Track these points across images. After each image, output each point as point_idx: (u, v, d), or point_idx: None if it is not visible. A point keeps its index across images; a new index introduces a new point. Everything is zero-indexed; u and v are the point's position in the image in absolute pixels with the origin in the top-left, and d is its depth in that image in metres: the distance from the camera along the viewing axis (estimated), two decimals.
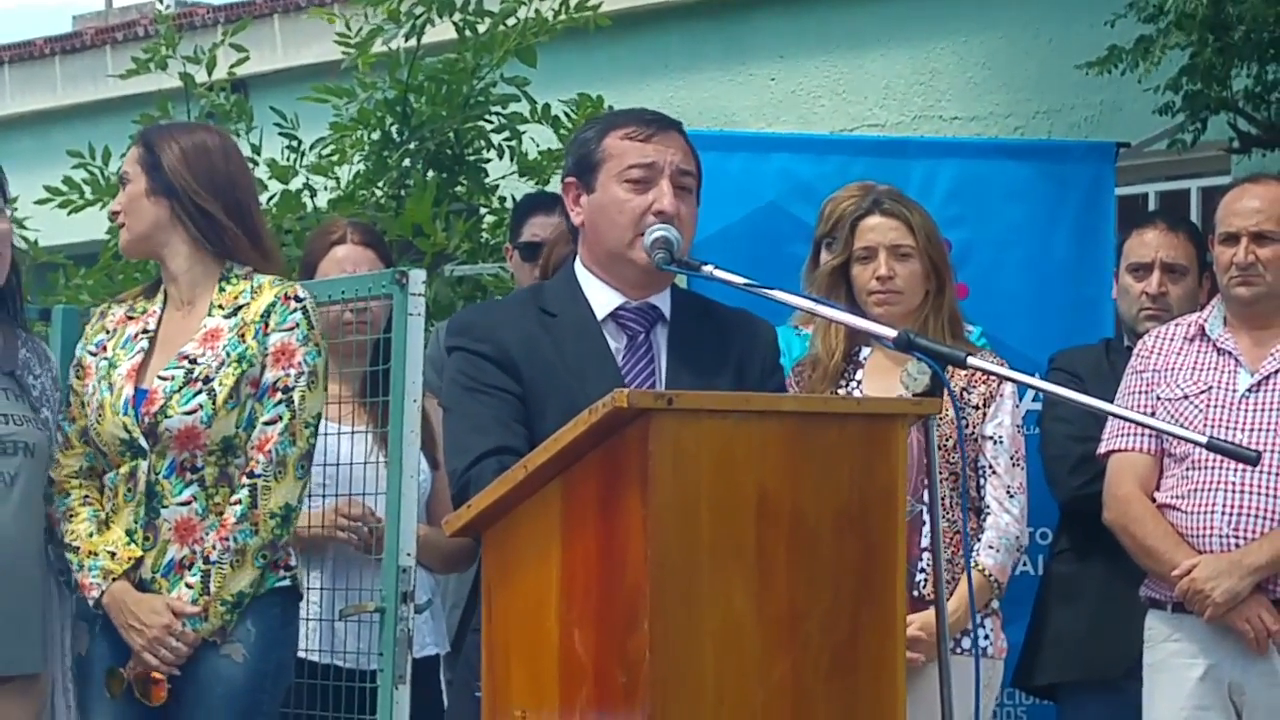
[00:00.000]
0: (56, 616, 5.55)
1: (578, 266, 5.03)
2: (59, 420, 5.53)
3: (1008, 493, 6.06)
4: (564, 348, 4.89)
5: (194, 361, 5.35)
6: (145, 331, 5.47)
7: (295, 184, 9.35)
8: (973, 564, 5.95)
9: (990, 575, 6.00)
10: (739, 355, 4.94)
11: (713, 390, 4.75)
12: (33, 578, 5.48)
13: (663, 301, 4.96)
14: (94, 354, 5.49)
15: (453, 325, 5.34)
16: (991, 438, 6.08)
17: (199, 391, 5.32)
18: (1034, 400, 6.69)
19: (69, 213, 9.47)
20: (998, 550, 6.03)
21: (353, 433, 5.80)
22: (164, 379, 5.34)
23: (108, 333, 5.51)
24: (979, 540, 6.03)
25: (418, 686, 5.64)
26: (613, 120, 5.04)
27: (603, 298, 4.94)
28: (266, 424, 5.36)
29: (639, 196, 4.88)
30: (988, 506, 6.07)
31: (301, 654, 5.61)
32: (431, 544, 5.84)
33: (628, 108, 5.21)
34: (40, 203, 9.37)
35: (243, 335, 5.37)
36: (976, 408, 6.08)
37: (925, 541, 5.70)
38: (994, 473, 6.08)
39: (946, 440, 5.80)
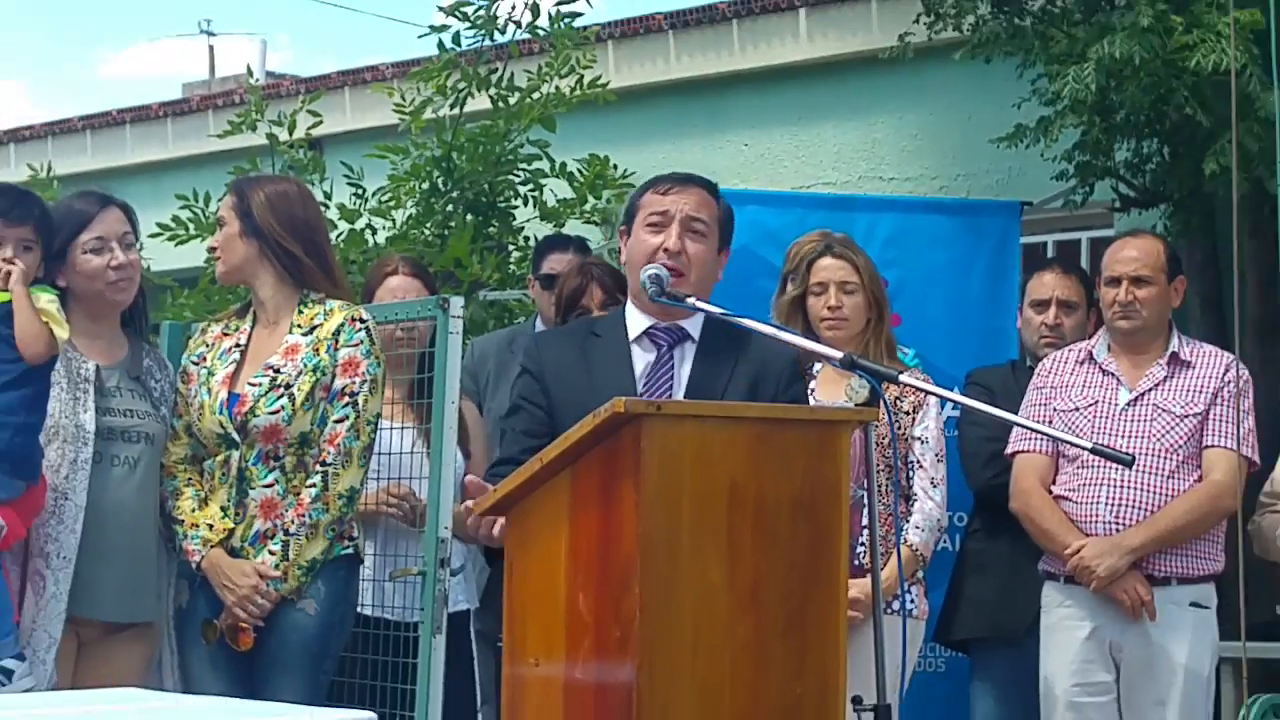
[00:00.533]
0: (165, 575, 5.53)
1: (629, 298, 5.09)
2: (170, 418, 5.52)
3: (931, 483, 6.06)
4: (593, 365, 4.92)
5: (277, 371, 5.36)
6: (238, 345, 5.49)
7: (359, 224, 9.33)
8: (903, 540, 5.94)
9: (916, 550, 6.00)
10: (755, 374, 4.91)
11: (725, 400, 4.76)
12: (149, 543, 5.48)
13: (693, 325, 4.96)
14: (196, 364, 5.51)
15: (525, 348, 5.38)
16: (919, 438, 6.07)
17: (281, 396, 5.34)
18: (953, 409, 6.66)
19: (176, 245, 9.45)
20: (923, 530, 6.03)
21: (402, 428, 5.79)
22: (253, 385, 5.36)
23: (207, 346, 5.54)
24: (908, 521, 6.02)
25: (452, 636, 5.63)
26: (652, 181, 5.09)
27: (637, 321, 4.97)
28: (336, 422, 5.37)
29: (654, 238, 4.91)
30: (915, 494, 6.05)
31: (358, 608, 5.58)
32: (464, 520, 5.81)
33: (669, 172, 5.21)
34: (153, 236, 9.32)
35: (317, 350, 5.38)
36: (907, 414, 6.07)
37: (864, 521, 5.66)
38: (920, 466, 6.07)
39: (884, 439, 5.77)
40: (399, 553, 5.81)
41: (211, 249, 5.69)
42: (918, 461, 6.07)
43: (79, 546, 5.28)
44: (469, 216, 9.23)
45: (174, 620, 5.48)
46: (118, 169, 13.59)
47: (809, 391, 5.92)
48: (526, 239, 9.32)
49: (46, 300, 5.18)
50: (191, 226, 9.42)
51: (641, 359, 4.94)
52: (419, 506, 5.79)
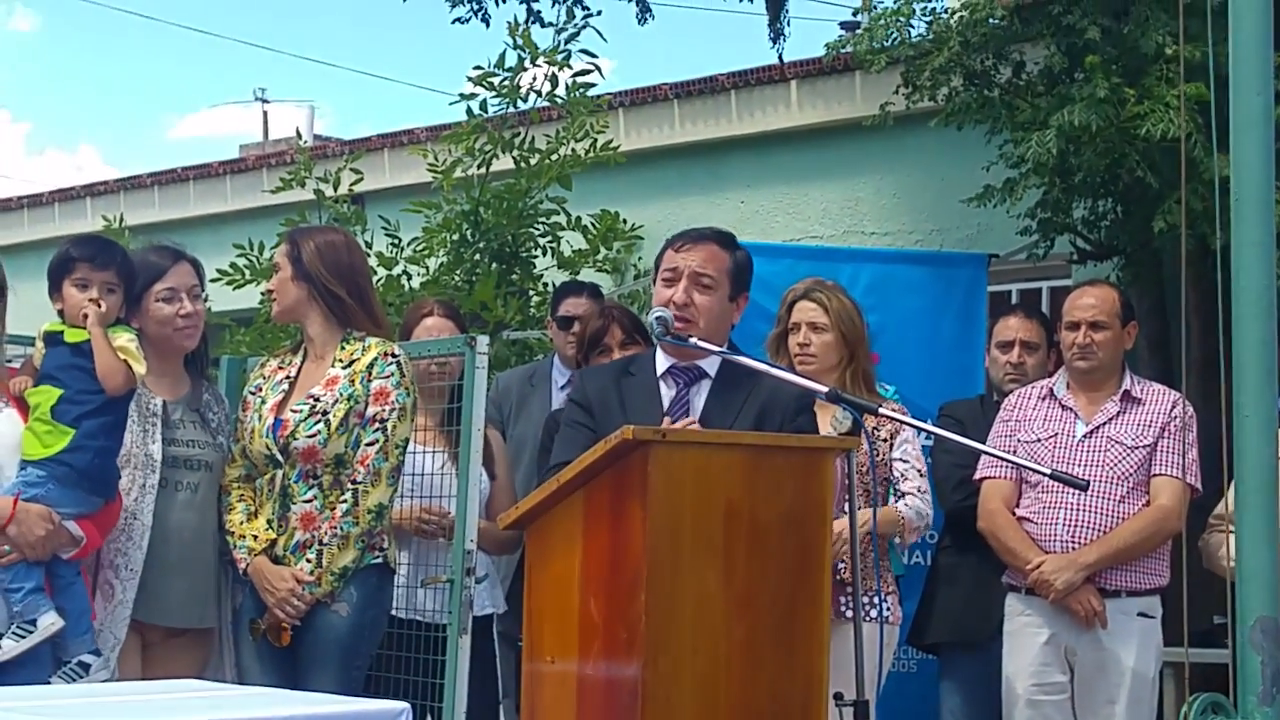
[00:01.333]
0: (226, 586, 5.56)
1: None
2: (229, 443, 5.55)
3: (919, 490, 6.02)
4: (627, 397, 4.98)
5: (317, 399, 5.40)
6: (288, 377, 5.51)
7: (396, 270, 9.35)
8: (891, 504, 5.91)
9: (901, 515, 5.91)
10: (762, 408, 4.94)
11: (733, 430, 4.78)
12: (208, 558, 5.51)
13: (709, 364, 5.00)
14: (253, 394, 5.54)
15: (573, 382, 5.57)
16: (899, 459, 6.03)
17: (319, 421, 5.36)
18: (927, 438, 6.66)
19: (234, 289, 9.47)
20: (910, 509, 5.93)
21: (433, 452, 5.81)
22: (295, 412, 5.40)
23: (264, 379, 5.58)
24: (898, 499, 5.95)
25: (477, 636, 5.63)
26: (672, 238, 5.16)
27: (662, 360, 5.04)
28: (367, 445, 5.38)
29: (666, 291, 4.99)
30: (906, 492, 6.00)
31: (393, 612, 5.59)
32: (489, 533, 5.83)
33: (683, 229, 5.25)
34: (213, 281, 9.34)
35: (352, 380, 5.40)
36: (885, 440, 6.06)
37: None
38: (906, 479, 6.01)
39: (864, 466, 5.77)
40: (431, 563, 5.83)
41: (267, 292, 5.70)
42: (902, 476, 6.03)
43: (145, 561, 5.32)
44: (494, 264, 9.25)
45: (233, 621, 5.50)
46: (181, 220, 13.60)
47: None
48: (545, 285, 9.33)
49: (126, 339, 5.21)
50: (247, 272, 9.45)
51: (667, 395, 4.98)
52: (446, 522, 5.80)
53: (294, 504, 5.38)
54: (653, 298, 5.08)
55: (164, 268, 5.49)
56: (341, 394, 5.39)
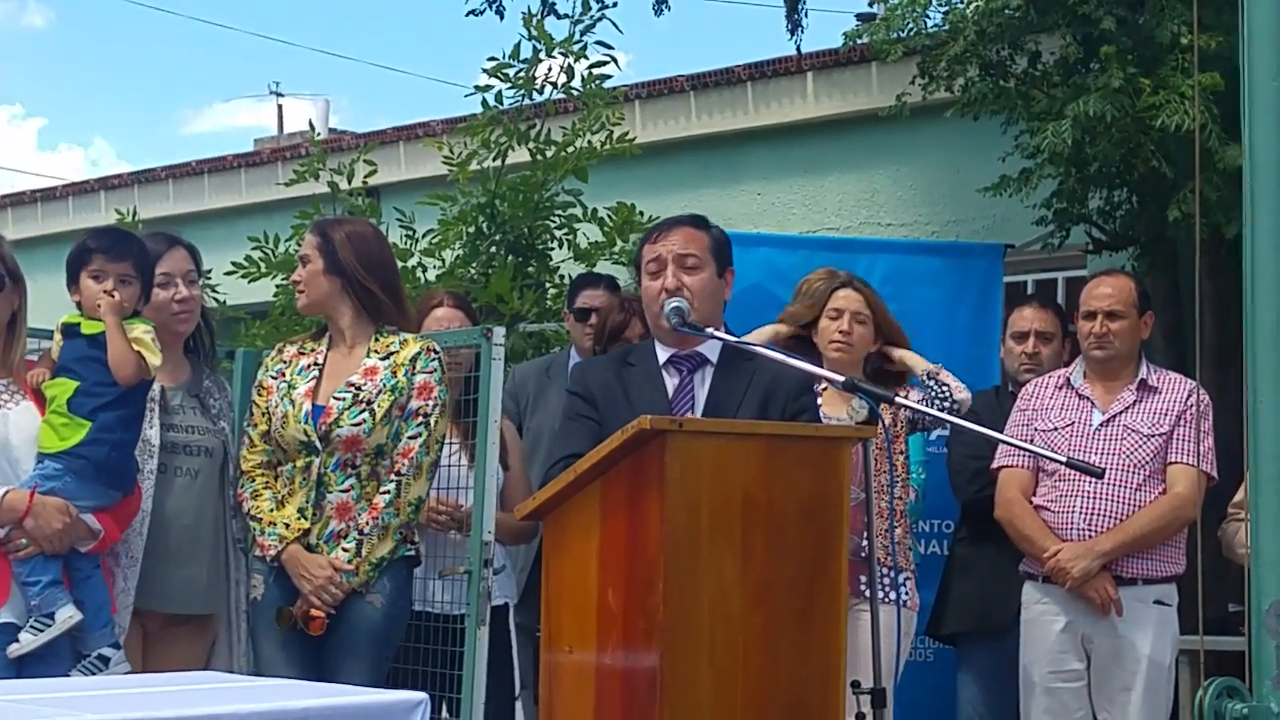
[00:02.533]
0: (233, 573, 5.57)
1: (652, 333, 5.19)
2: (244, 427, 5.56)
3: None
4: (630, 388, 5.02)
5: (359, 389, 5.39)
6: (315, 364, 5.50)
7: (411, 263, 9.36)
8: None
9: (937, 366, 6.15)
10: (766, 392, 4.97)
11: (737, 418, 4.81)
12: (208, 543, 5.52)
13: (710, 350, 5.04)
14: (274, 378, 5.52)
15: (570, 375, 5.57)
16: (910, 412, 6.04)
17: (363, 410, 5.36)
18: (943, 429, 6.68)
19: (249, 282, 9.47)
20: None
21: (450, 443, 5.81)
22: (337, 399, 5.38)
23: (285, 363, 5.55)
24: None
25: (494, 627, 5.64)
26: (646, 233, 5.22)
27: (662, 352, 5.07)
28: (410, 438, 5.40)
29: (655, 281, 5.04)
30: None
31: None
32: (504, 524, 5.84)
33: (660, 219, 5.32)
34: (228, 274, 9.38)
35: (394, 373, 5.41)
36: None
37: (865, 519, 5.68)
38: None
39: (887, 450, 5.83)
40: (441, 554, 5.84)
41: (294, 283, 5.69)
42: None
43: (144, 548, 5.33)
44: (510, 257, 9.25)
45: (249, 610, 5.51)
46: (196, 214, 13.63)
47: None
48: (562, 277, 9.33)
49: (142, 330, 5.22)
50: (262, 265, 9.45)
51: (670, 384, 5.00)
52: (459, 515, 5.82)
53: (330, 492, 5.37)
54: (643, 294, 5.10)
55: (158, 254, 5.49)
56: (384, 385, 5.40)
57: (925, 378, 6.09)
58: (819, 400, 6.00)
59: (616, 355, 5.39)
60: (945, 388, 6.10)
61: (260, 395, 5.53)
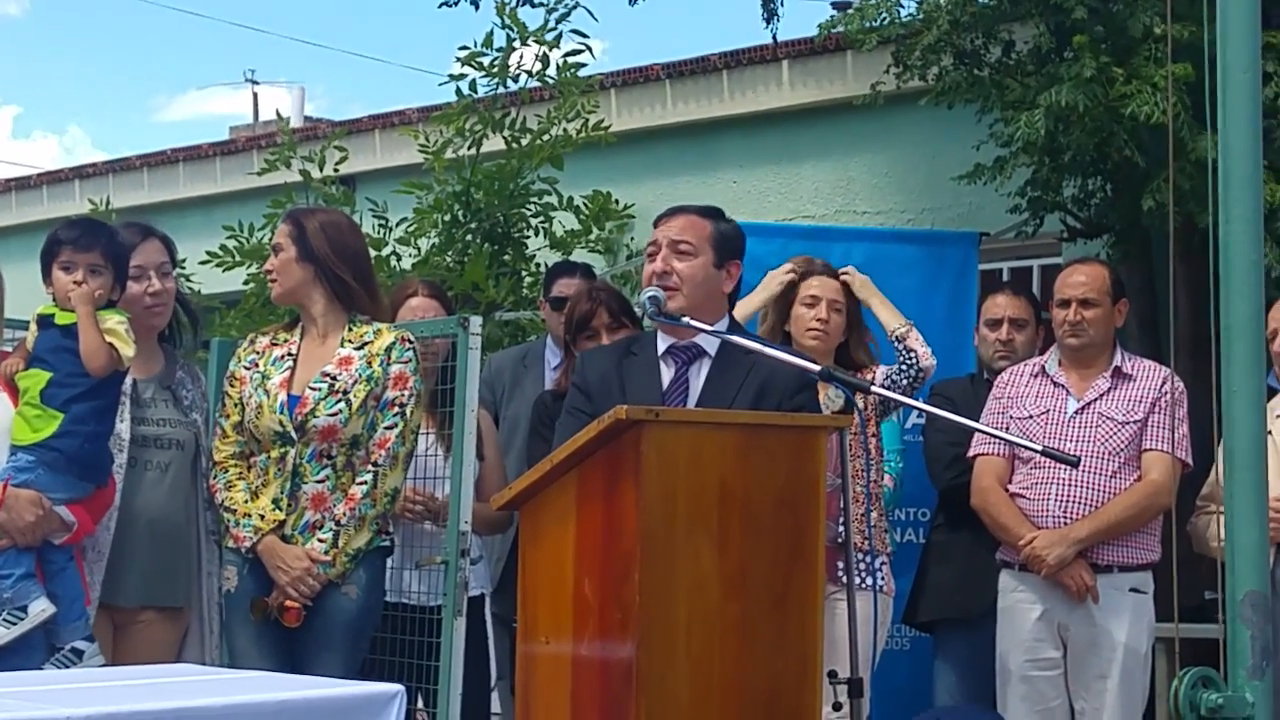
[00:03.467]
0: (205, 565, 5.55)
1: None
2: (216, 418, 5.53)
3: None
4: (628, 378, 5.00)
5: (334, 378, 5.37)
6: (289, 354, 5.47)
7: (385, 251, 9.36)
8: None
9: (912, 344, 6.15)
10: (762, 386, 4.94)
11: (732, 409, 4.79)
12: (179, 536, 5.49)
13: (709, 343, 5.01)
14: (248, 369, 5.49)
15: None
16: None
17: (339, 400, 5.34)
18: (919, 416, 6.68)
19: (223, 271, 9.48)
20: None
21: (425, 433, 5.79)
22: (313, 389, 5.36)
23: (258, 354, 5.53)
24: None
25: (470, 618, 5.64)
26: (657, 218, 5.16)
27: (662, 341, 5.06)
28: (386, 428, 5.38)
29: (650, 265, 5.03)
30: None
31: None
32: (480, 514, 5.82)
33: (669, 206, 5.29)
34: (203, 263, 9.39)
35: (370, 363, 5.39)
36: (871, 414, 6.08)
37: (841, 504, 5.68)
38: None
39: (863, 439, 5.83)
40: (415, 545, 5.83)
41: (267, 272, 5.67)
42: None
43: (113, 541, 5.30)
44: (486, 245, 9.25)
45: (223, 602, 5.49)
46: (171, 203, 13.58)
47: None
48: (538, 265, 9.34)
49: (115, 321, 5.18)
50: (237, 255, 9.45)
51: (666, 374, 4.99)
52: (434, 505, 5.81)
53: (305, 483, 5.35)
54: (644, 276, 5.09)
55: (132, 245, 5.46)
56: (360, 375, 5.38)
57: (894, 340, 6.10)
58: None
59: (621, 344, 5.38)
60: (912, 354, 6.12)
61: (233, 386, 5.50)
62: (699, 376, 4.97)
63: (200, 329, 5.89)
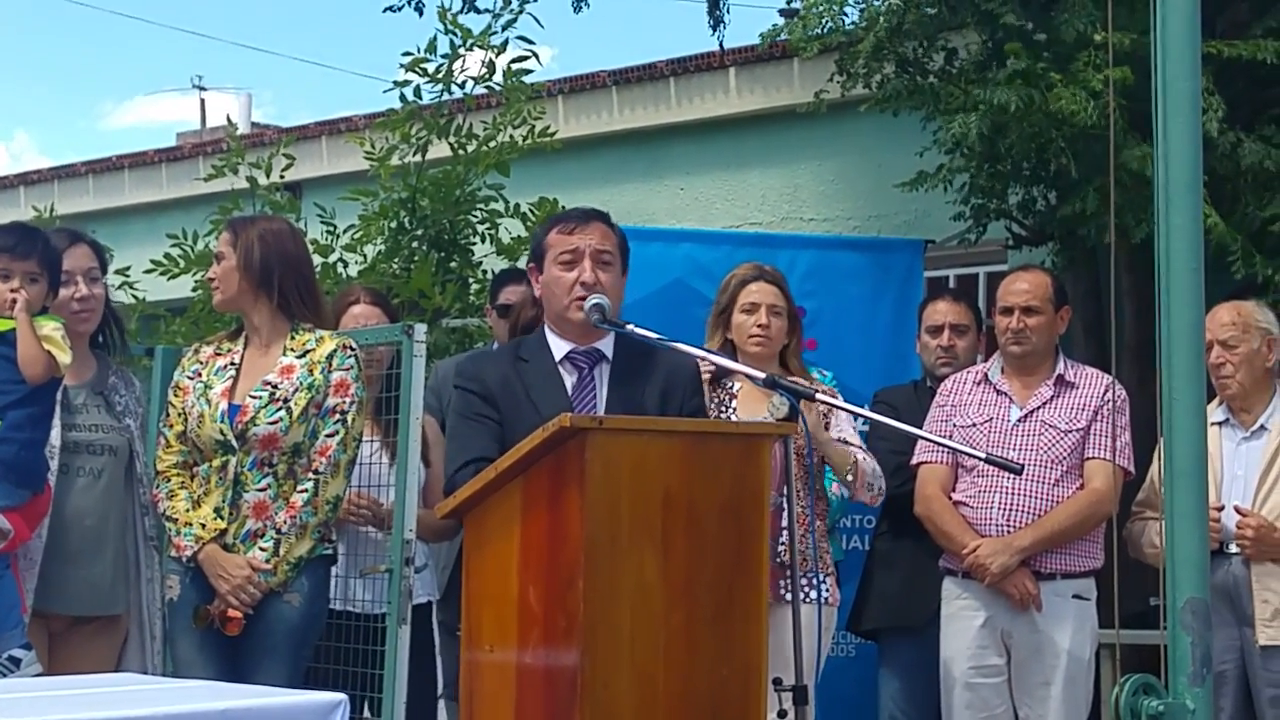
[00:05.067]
0: (144, 572, 5.52)
1: (545, 325, 5.11)
2: (160, 427, 5.49)
3: (864, 451, 6.02)
4: (530, 384, 4.95)
5: (275, 387, 5.35)
6: (232, 364, 5.45)
7: (332, 258, 9.33)
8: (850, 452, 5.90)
9: (855, 460, 5.88)
10: (664, 386, 4.95)
11: (639, 412, 4.79)
12: (113, 544, 5.46)
13: (606, 345, 5.00)
14: (191, 379, 5.46)
15: (457, 370, 5.46)
16: (837, 439, 6.00)
17: (280, 408, 5.32)
18: (864, 424, 6.69)
19: (169, 279, 9.42)
20: (867, 460, 5.94)
21: (368, 441, 5.78)
22: (254, 398, 5.34)
23: (201, 364, 5.49)
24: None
25: (415, 626, 5.63)
26: (553, 220, 5.16)
27: (559, 346, 5.01)
28: (327, 436, 5.37)
29: (569, 273, 4.97)
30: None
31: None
32: (425, 522, 5.81)
33: (567, 209, 5.25)
34: (148, 271, 9.33)
35: (311, 370, 5.38)
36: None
37: (784, 522, 5.68)
38: (850, 444, 6.02)
39: (801, 450, 5.81)
40: (361, 552, 5.82)
41: (209, 280, 5.65)
42: (847, 444, 6.02)
43: (46, 549, 5.27)
44: (432, 252, 9.23)
45: (165, 610, 5.45)
46: (116, 209, 13.52)
47: (731, 410, 5.93)
48: (484, 272, 9.32)
49: (51, 328, 5.16)
50: (182, 262, 9.40)
51: (568, 379, 4.98)
52: (378, 512, 5.80)
53: (247, 492, 5.33)
54: (548, 284, 5.04)
55: (61, 250, 5.42)
56: (301, 382, 5.36)
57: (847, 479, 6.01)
58: (734, 401, 5.98)
59: (507, 349, 5.34)
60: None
61: (176, 395, 5.47)
62: (603, 381, 4.97)
63: (125, 337, 5.84)
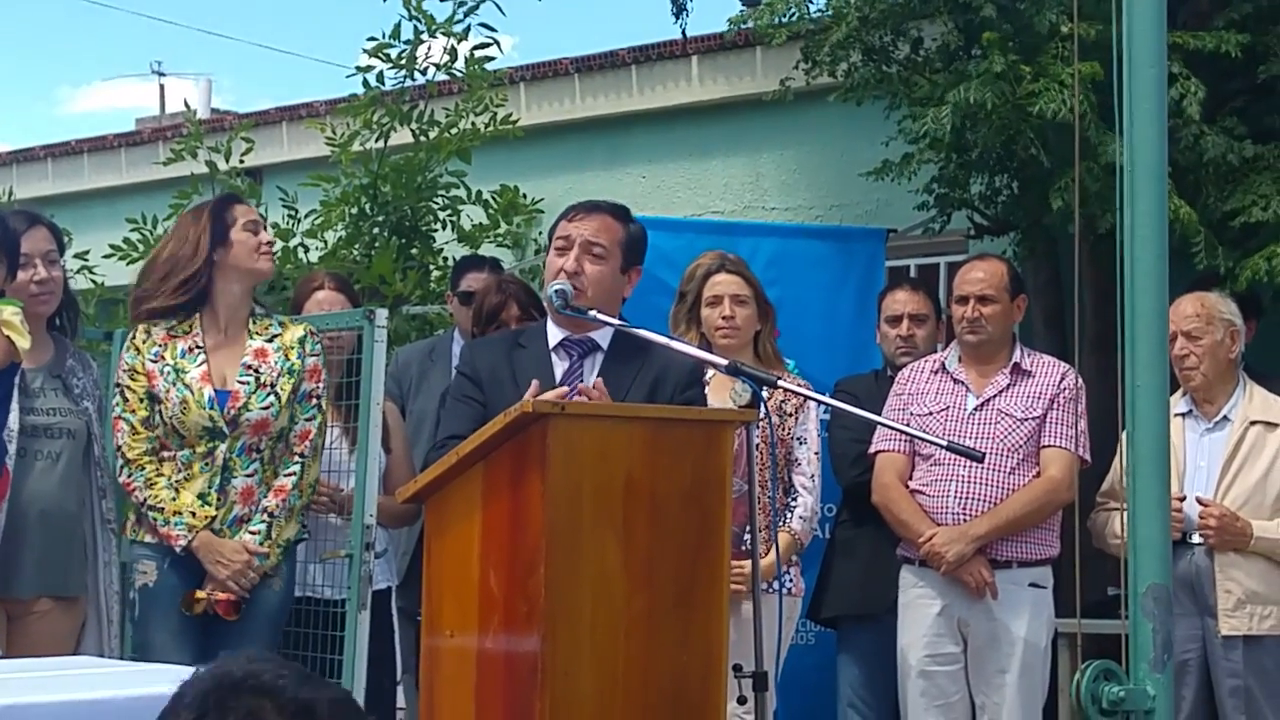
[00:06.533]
0: (101, 555, 5.49)
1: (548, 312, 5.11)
2: (120, 412, 5.44)
3: (811, 479, 6.07)
4: (520, 369, 4.92)
5: (257, 371, 5.35)
6: (198, 347, 5.41)
7: (293, 243, 9.30)
8: (786, 527, 5.95)
9: (796, 536, 6.01)
10: (655, 380, 4.92)
11: (626, 402, 4.76)
12: (72, 525, 5.43)
13: (602, 336, 4.97)
14: (154, 361, 5.41)
15: (461, 353, 5.53)
16: (799, 438, 6.07)
17: (269, 394, 5.35)
18: (824, 412, 6.69)
19: (128, 264, 9.37)
20: (804, 520, 6.03)
21: (330, 426, 5.77)
22: (242, 383, 5.34)
23: (160, 346, 5.44)
24: (791, 511, 6.02)
25: (375, 611, 5.62)
26: (568, 209, 5.12)
27: (555, 333, 5.00)
28: (307, 420, 5.45)
29: (559, 260, 4.94)
30: (796, 490, 6.06)
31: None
32: (385, 507, 5.81)
33: (579, 200, 5.22)
34: (107, 256, 9.30)
35: (287, 355, 5.41)
36: (790, 415, 6.08)
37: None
38: (799, 464, 6.07)
39: (766, 438, 5.82)
40: (321, 538, 5.81)
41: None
42: (798, 460, 6.09)
43: (3, 533, 5.24)
44: (393, 238, 9.22)
45: (136, 595, 5.41)
46: (75, 194, 13.42)
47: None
48: (445, 259, 9.30)
49: (10, 312, 5.11)
50: (141, 247, 9.35)
51: (559, 367, 4.96)
52: (339, 498, 5.79)
53: (235, 478, 5.35)
54: (546, 269, 5.05)
55: (19, 233, 5.38)
56: (282, 368, 5.39)
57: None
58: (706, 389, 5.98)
59: (509, 336, 5.34)
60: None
61: (135, 380, 5.42)
62: (593, 370, 4.95)
63: (78, 318, 5.80)
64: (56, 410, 5.44)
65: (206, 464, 5.33)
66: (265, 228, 5.59)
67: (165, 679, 3.66)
